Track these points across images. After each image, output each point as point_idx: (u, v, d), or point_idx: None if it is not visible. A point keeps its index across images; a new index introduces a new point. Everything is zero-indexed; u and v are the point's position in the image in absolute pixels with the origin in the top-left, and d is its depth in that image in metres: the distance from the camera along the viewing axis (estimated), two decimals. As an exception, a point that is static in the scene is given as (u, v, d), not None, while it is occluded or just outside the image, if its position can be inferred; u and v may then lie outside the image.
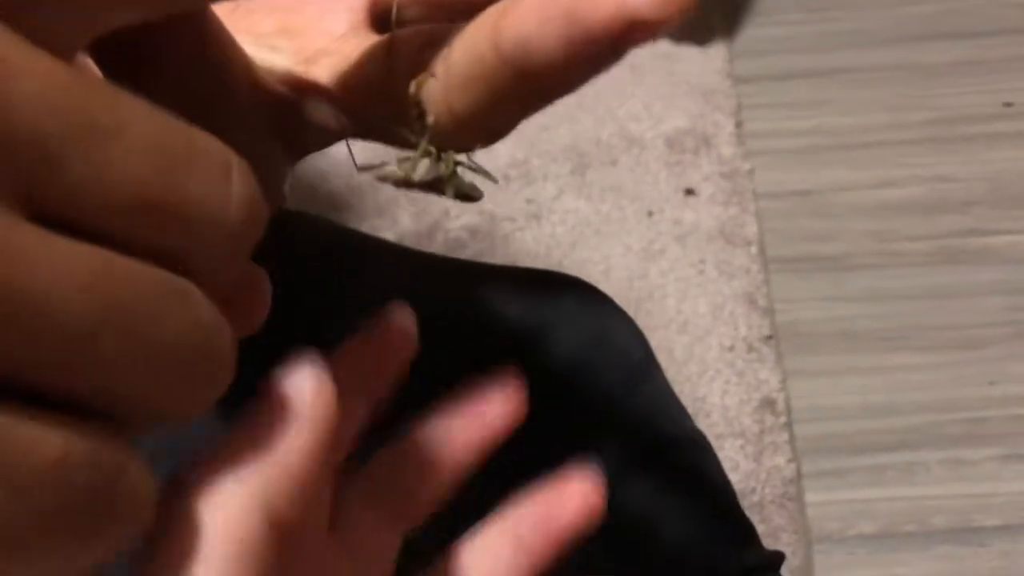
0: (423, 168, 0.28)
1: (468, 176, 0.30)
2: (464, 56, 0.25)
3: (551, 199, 1.18)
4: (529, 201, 1.18)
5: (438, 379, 0.54)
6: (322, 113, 0.29)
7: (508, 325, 0.58)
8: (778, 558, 0.61)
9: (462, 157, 0.28)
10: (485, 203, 1.17)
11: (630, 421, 0.58)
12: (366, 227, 1.15)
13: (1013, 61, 1.32)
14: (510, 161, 1.21)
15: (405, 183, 0.28)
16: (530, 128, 1.23)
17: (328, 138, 0.30)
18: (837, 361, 1.08)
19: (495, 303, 0.59)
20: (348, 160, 0.30)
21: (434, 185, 0.29)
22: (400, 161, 0.28)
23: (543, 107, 0.25)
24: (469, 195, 0.30)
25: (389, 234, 1.14)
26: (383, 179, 0.28)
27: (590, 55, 0.22)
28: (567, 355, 0.58)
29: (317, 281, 0.54)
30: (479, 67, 0.24)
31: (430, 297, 0.59)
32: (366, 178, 1.26)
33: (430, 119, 0.26)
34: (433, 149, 0.28)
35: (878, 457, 1.02)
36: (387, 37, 0.28)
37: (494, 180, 0.30)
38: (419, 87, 0.26)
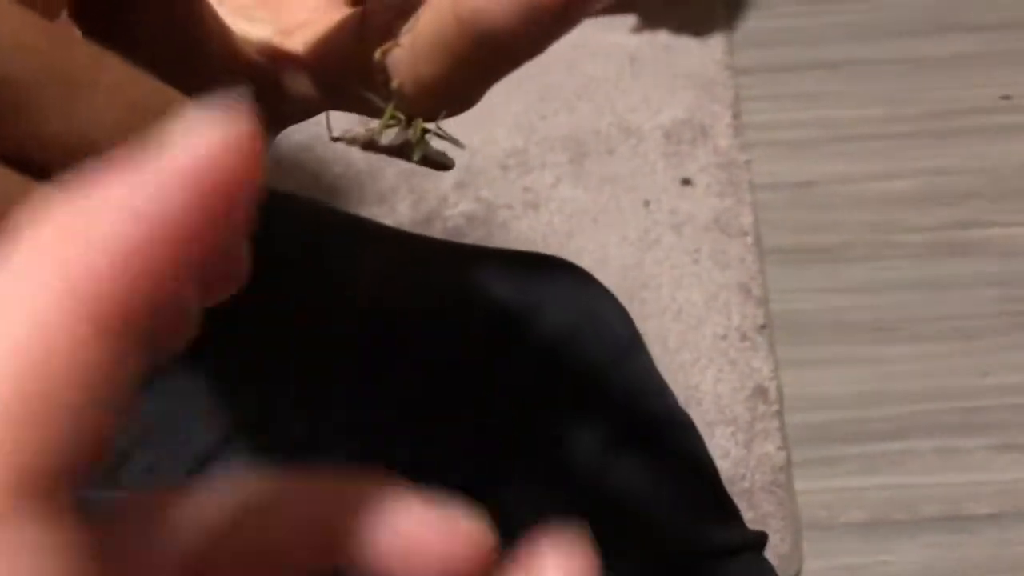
0: (391, 133, 0.29)
1: (437, 144, 0.30)
2: (428, 25, 0.25)
3: (548, 188, 1.19)
4: (527, 189, 1.19)
5: (430, 355, 0.55)
6: (299, 84, 0.30)
7: (498, 303, 0.59)
8: (761, 538, 0.62)
9: (431, 125, 0.29)
10: (482, 191, 1.18)
11: (615, 398, 0.59)
12: (365, 215, 1.15)
13: (1011, 55, 1.33)
14: (508, 150, 1.21)
15: (371, 145, 0.29)
16: (528, 117, 1.24)
17: (306, 110, 0.31)
18: (831, 351, 1.08)
19: (486, 282, 0.60)
20: (347, 148, 0.31)
21: (402, 150, 0.30)
22: (368, 127, 0.29)
23: (505, 73, 0.26)
24: (439, 162, 0.31)
25: (387, 221, 1.15)
26: (351, 142, 0.29)
27: (541, 23, 0.22)
28: (554, 332, 0.59)
29: (308, 259, 0.55)
30: (441, 35, 0.25)
31: (422, 276, 0.60)
32: (365, 167, 1.27)
33: (394, 84, 0.27)
34: (401, 116, 0.29)
35: (870, 445, 1.02)
36: (359, 8, 0.29)
37: (461, 146, 0.30)
38: (384, 54, 0.27)
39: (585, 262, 0.63)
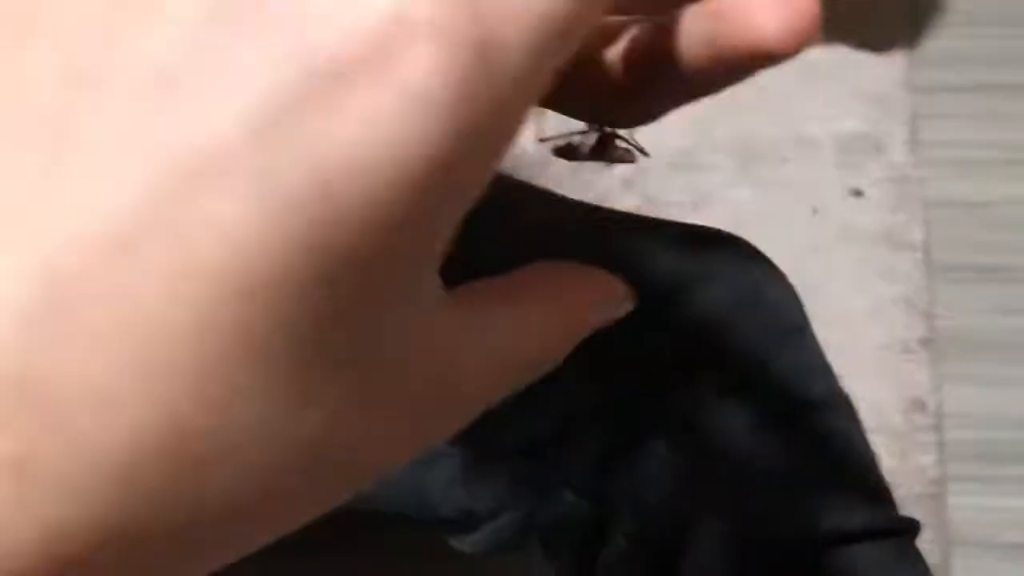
0: (589, 142, 0.32)
1: (623, 145, 0.33)
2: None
3: (717, 189, 1.20)
4: (693, 189, 1.20)
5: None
6: None
7: (661, 275, 0.60)
8: (913, 525, 0.61)
9: (624, 132, 0.31)
10: (648, 187, 1.20)
11: (772, 380, 0.59)
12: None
13: None
14: (677, 150, 1.23)
15: (569, 152, 0.32)
16: (700, 121, 1.25)
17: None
18: (995, 371, 1.06)
19: (651, 252, 0.61)
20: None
21: (595, 155, 0.32)
22: (567, 137, 0.32)
23: (692, 102, 0.27)
24: (623, 159, 0.34)
25: (555, 212, 1.18)
26: (557, 150, 0.32)
27: (728, 71, 0.22)
28: (718, 309, 0.60)
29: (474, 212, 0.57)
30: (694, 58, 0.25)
31: (585, 239, 0.62)
32: (533, 156, 1.30)
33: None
34: (601, 128, 0.31)
35: (1031, 468, 1.00)
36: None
37: (647, 154, 0.33)
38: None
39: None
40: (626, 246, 0.62)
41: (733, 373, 0.59)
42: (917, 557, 0.59)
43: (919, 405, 1.01)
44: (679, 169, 1.21)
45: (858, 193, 1.19)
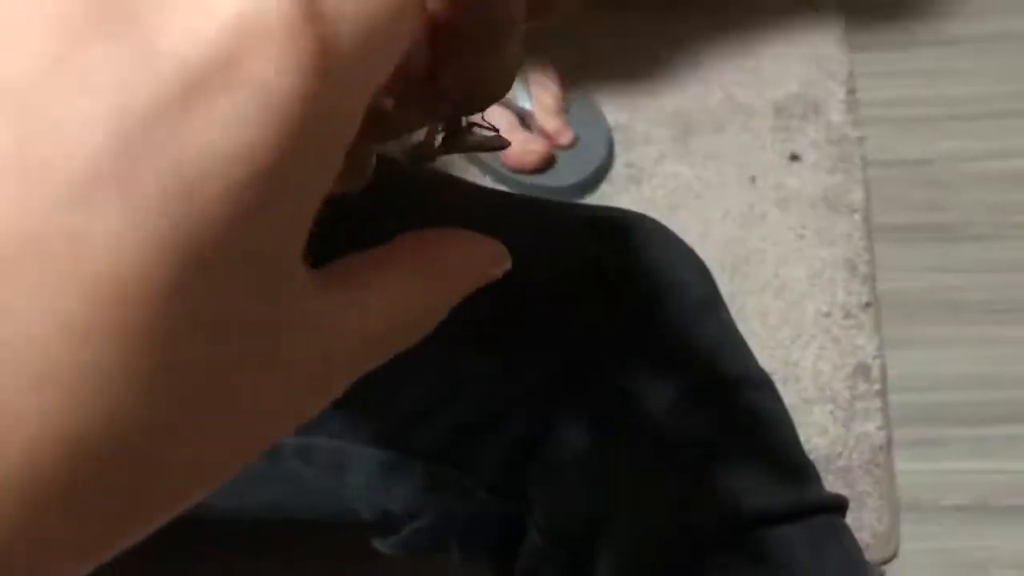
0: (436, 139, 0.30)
1: (483, 133, 0.32)
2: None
3: (652, 163, 1.18)
4: (629, 165, 1.18)
5: (521, 307, 0.55)
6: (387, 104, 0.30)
7: (571, 260, 0.59)
8: (840, 501, 0.60)
9: (475, 117, 0.30)
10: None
11: (692, 355, 0.58)
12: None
13: None
14: (612, 125, 1.21)
15: (424, 154, 0.31)
16: (637, 95, 1.23)
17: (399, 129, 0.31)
18: (940, 332, 1.05)
19: (564, 236, 0.60)
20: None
21: (452, 147, 0.31)
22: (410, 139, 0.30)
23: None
24: (494, 145, 0.32)
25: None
26: (411, 158, 0.30)
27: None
28: (632, 291, 0.59)
29: (400, 202, 0.55)
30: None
31: (504, 228, 0.60)
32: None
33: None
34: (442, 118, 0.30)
35: (976, 429, 0.99)
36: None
37: (504, 143, 0.32)
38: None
39: (688, 237, 0.63)
40: (541, 233, 0.61)
41: (654, 353, 0.57)
42: (845, 532, 0.59)
43: (863, 371, 1.00)
44: (615, 145, 1.19)
45: (795, 157, 1.17)
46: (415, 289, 0.22)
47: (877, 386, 0.99)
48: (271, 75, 0.16)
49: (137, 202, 0.15)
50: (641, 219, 0.63)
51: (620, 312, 0.58)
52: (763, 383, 0.60)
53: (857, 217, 1.11)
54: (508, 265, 0.25)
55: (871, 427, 0.96)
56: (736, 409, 0.58)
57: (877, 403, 0.98)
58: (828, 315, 1.04)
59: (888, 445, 0.96)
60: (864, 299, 1.05)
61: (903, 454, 0.98)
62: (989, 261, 1.10)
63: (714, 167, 1.16)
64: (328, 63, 0.16)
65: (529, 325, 0.57)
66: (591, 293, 0.58)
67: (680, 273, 0.61)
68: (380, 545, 0.65)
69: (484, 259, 0.24)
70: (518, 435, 0.56)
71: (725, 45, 1.26)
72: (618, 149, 1.19)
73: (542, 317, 0.57)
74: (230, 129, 0.15)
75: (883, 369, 1.01)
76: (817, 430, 0.96)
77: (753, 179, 1.15)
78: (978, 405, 1.00)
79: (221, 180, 0.15)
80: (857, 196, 1.13)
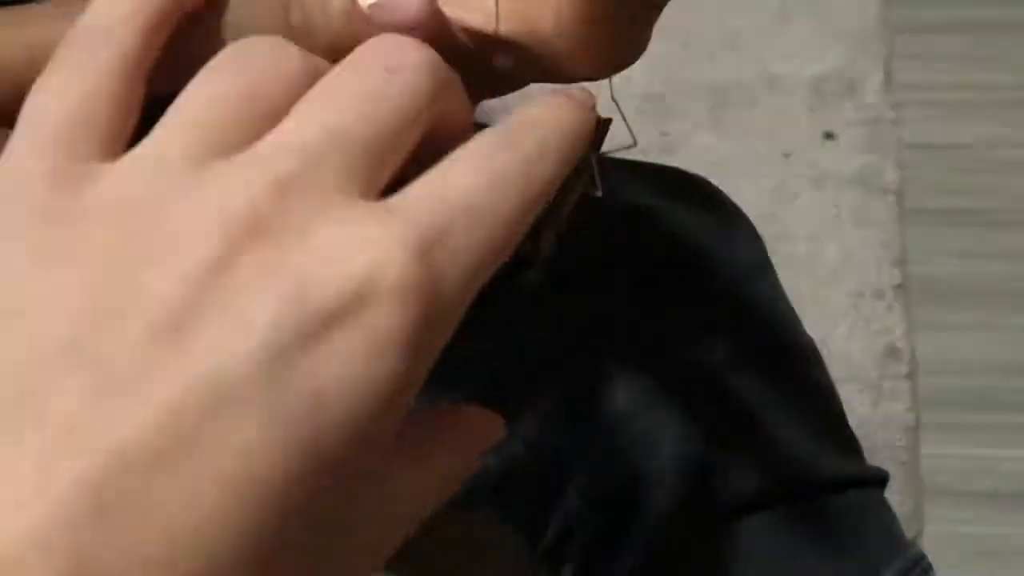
0: None
1: None
2: None
3: (686, 134, 1.17)
4: (663, 134, 1.17)
5: (570, 263, 0.55)
6: (505, 62, 0.32)
7: (634, 207, 0.58)
8: (883, 475, 0.60)
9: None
10: (612, 132, 1.16)
11: (743, 317, 0.57)
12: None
13: None
14: (646, 95, 1.20)
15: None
16: (668, 64, 1.22)
17: (512, 83, 0.33)
18: (970, 316, 1.04)
19: (626, 187, 0.59)
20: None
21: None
22: None
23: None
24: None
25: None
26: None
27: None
28: (687, 246, 0.58)
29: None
30: None
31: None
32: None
33: None
34: None
35: (1006, 415, 0.98)
36: None
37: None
38: None
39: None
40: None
41: (704, 313, 0.57)
42: (885, 505, 0.58)
43: (893, 352, 0.99)
44: (648, 115, 1.18)
45: (831, 136, 1.16)
46: (455, 463, 0.25)
47: (906, 368, 0.98)
48: (389, 326, 0.20)
49: (277, 417, 0.19)
50: (699, 179, 0.63)
51: (671, 270, 0.57)
52: (812, 352, 0.60)
53: (891, 199, 1.10)
54: (502, 435, 0.28)
55: (899, 408, 0.96)
56: (786, 376, 0.57)
57: (906, 385, 0.97)
58: (859, 295, 1.03)
59: (915, 428, 0.96)
60: (896, 281, 1.04)
61: (929, 438, 0.97)
62: (1019, 248, 1.09)
63: (748, 141, 1.15)
64: (434, 310, 0.21)
65: (577, 282, 0.56)
66: (641, 250, 0.57)
67: (733, 234, 0.61)
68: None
69: (495, 434, 0.27)
70: (560, 391, 0.56)
71: (762, 20, 1.24)
72: (652, 118, 1.18)
73: (590, 272, 0.56)
74: (354, 367, 0.20)
75: (912, 352, 1.00)
76: (845, 409, 0.95)
77: (787, 155, 1.14)
78: (1007, 391, 1.00)
79: (345, 405, 0.20)
80: (892, 177, 1.12)
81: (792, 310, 0.60)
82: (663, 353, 0.55)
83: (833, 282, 1.04)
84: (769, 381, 0.56)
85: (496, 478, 0.59)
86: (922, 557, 0.56)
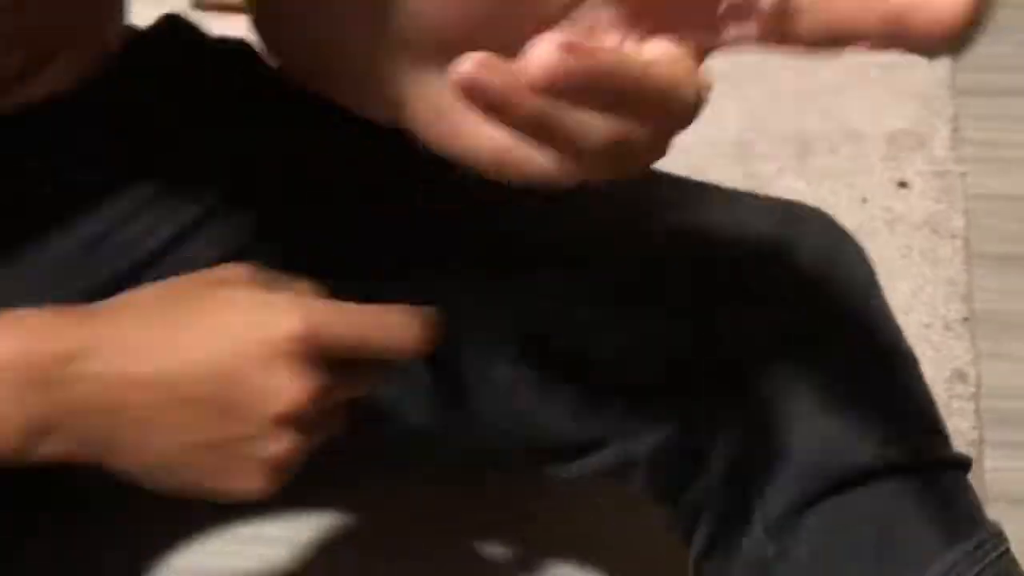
0: None
1: None
2: None
3: (772, 178, 1.29)
4: (749, 176, 1.30)
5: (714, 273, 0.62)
6: None
7: (752, 238, 0.65)
8: (967, 461, 0.68)
9: None
10: (708, 173, 1.28)
11: (863, 328, 0.65)
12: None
13: None
14: (734, 143, 1.32)
15: None
16: (756, 115, 1.35)
17: None
18: (1030, 348, 1.16)
19: (744, 218, 0.67)
20: None
21: None
22: None
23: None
24: None
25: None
26: None
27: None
28: (807, 266, 0.65)
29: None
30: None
31: (702, 209, 0.68)
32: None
33: None
34: None
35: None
36: None
37: None
38: None
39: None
40: (722, 212, 0.69)
41: (821, 327, 0.63)
42: (974, 492, 0.66)
43: (960, 375, 1.10)
44: (737, 160, 1.31)
45: (903, 184, 1.29)
46: None
47: (972, 389, 1.09)
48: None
49: None
50: (813, 209, 0.72)
51: (787, 289, 0.65)
52: (915, 359, 0.68)
53: (958, 243, 1.22)
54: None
55: (965, 425, 1.07)
56: (901, 376, 0.65)
57: (971, 406, 1.08)
58: (929, 326, 1.15)
59: (979, 442, 1.07)
60: (963, 315, 1.16)
61: (992, 453, 1.08)
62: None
63: (828, 185, 1.28)
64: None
65: (728, 289, 0.65)
66: (770, 270, 0.64)
67: (848, 255, 0.69)
68: (560, 471, 0.68)
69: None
70: (714, 366, 0.62)
71: (843, 78, 1.38)
72: (741, 161, 1.30)
73: (736, 278, 0.64)
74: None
75: (978, 375, 1.11)
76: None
77: (864, 200, 1.27)
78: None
79: None
80: (958, 224, 1.24)
81: (896, 323, 0.68)
82: (799, 344, 0.63)
83: (906, 314, 1.15)
84: (884, 378, 0.64)
85: (650, 454, 0.64)
86: (1000, 532, 0.63)
